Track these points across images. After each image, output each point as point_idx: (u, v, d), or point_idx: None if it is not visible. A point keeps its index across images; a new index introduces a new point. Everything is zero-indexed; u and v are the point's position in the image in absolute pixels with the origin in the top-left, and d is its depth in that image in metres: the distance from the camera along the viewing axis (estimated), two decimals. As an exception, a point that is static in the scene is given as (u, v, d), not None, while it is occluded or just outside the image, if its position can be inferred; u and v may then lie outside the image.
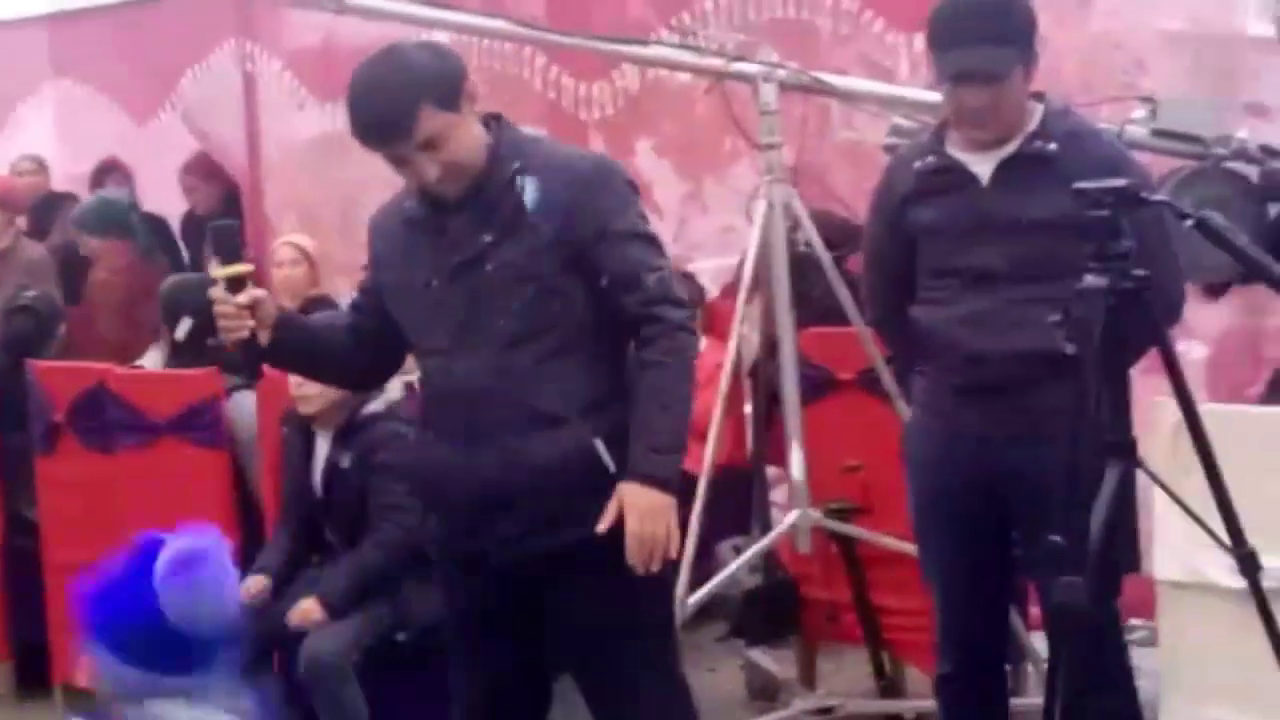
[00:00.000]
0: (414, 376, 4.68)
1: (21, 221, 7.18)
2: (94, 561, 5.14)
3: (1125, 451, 2.84)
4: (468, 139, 3.09)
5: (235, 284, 3.11)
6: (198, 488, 4.86)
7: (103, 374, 5.17)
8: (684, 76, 5.31)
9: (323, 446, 4.50)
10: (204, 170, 7.59)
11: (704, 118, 5.35)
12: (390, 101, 3.03)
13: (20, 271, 6.69)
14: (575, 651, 3.31)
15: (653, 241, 3.20)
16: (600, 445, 3.13)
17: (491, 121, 3.17)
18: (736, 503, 5.28)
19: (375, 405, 4.49)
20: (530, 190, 3.09)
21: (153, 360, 5.41)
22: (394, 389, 4.50)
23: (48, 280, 6.68)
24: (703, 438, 4.84)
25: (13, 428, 5.54)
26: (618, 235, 3.10)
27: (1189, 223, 2.80)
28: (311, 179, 7.50)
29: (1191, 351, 4.84)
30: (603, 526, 3.06)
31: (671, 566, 3.27)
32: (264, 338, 3.17)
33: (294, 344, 3.29)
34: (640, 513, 3.04)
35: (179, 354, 5.17)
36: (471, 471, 3.14)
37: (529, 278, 3.08)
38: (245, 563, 4.67)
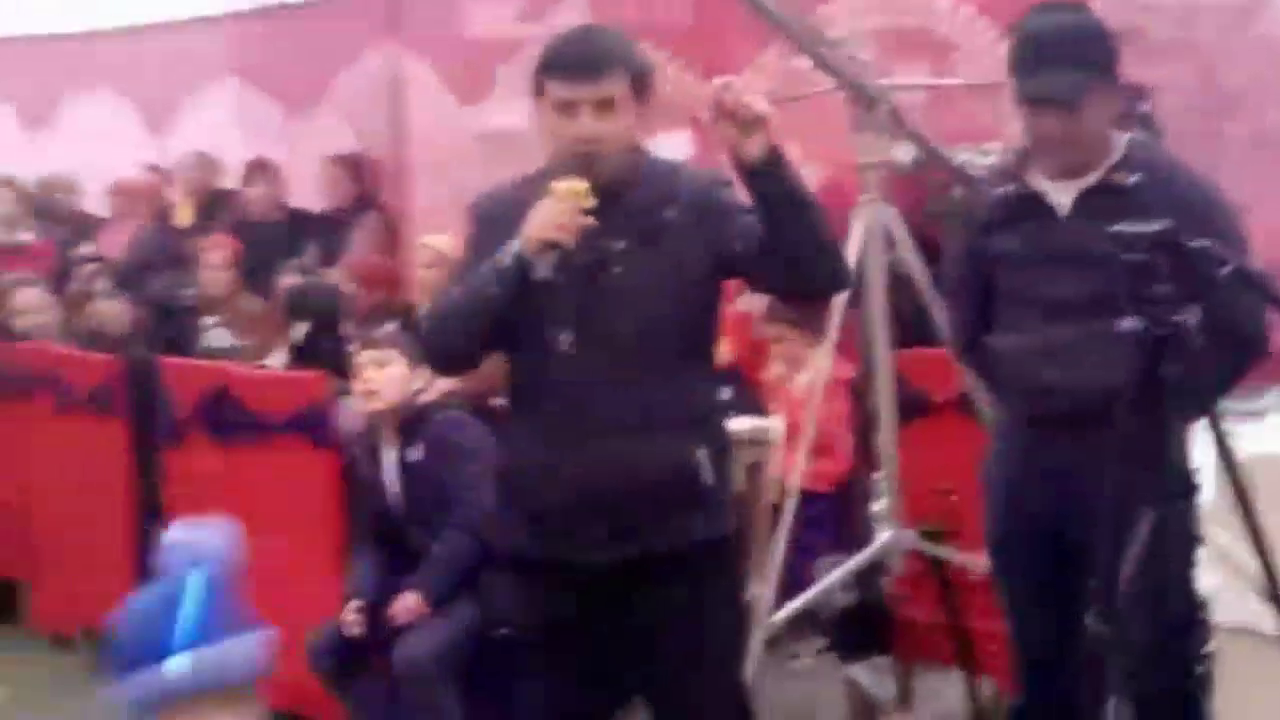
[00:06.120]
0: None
1: (221, 258, 7.22)
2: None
3: (1160, 497, 2.78)
4: (628, 132, 3.20)
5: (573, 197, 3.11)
6: (307, 487, 4.98)
7: (225, 374, 5.34)
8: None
9: (389, 455, 4.57)
10: (348, 167, 7.77)
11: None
12: (601, 44, 3.19)
13: (236, 322, 6.78)
14: (650, 665, 3.32)
15: None
16: (702, 456, 3.18)
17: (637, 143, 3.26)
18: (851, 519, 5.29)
19: (428, 396, 4.55)
20: (674, 214, 3.17)
21: (277, 360, 5.58)
22: (444, 381, 4.54)
23: (264, 332, 6.72)
24: (821, 452, 4.87)
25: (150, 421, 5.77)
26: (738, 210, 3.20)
27: (1226, 270, 2.73)
28: (456, 180, 7.64)
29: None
30: None
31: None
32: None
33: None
34: None
35: (298, 356, 5.30)
36: (574, 471, 3.16)
37: (653, 288, 3.16)
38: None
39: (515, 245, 3.11)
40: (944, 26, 6.22)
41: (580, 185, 3.08)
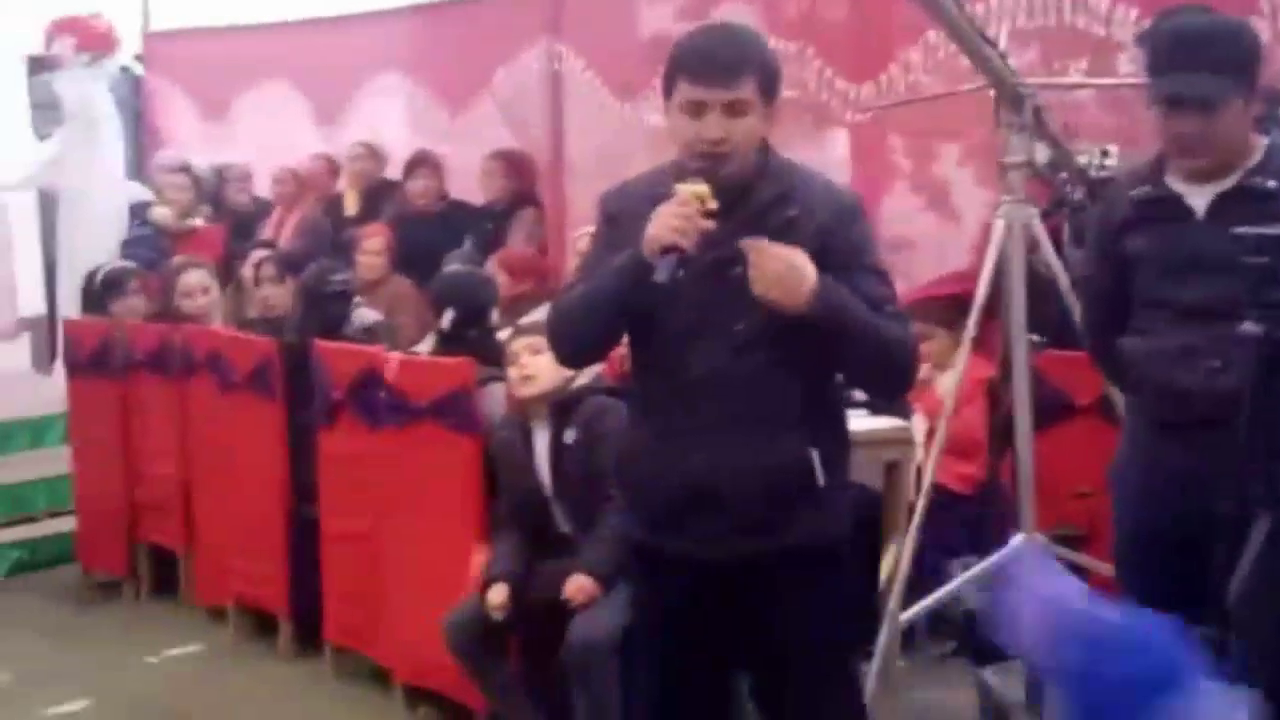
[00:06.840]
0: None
1: (377, 245, 7.42)
2: (362, 532, 5.57)
3: (1278, 503, 2.74)
4: (756, 134, 3.18)
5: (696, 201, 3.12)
6: (449, 471, 5.07)
7: (375, 358, 5.48)
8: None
9: (541, 438, 4.62)
10: (507, 162, 7.88)
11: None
12: (735, 46, 3.16)
13: (386, 302, 6.97)
14: (763, 662, 3.37)
15: (889, 280, 3.31)
16: (815, 455, 3.20)
17: (762, 143, 3.26)
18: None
19: (582, 379, 4.59)
20: (795, 211, 3.18)
21: (427, 347, 5.70)
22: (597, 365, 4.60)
23: (410, 312, 6.90)
24: (962, 453, 4.85)
25: (305, 403, 5.94)
26: (864, 269, 3.21)
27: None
28: (614, 176, 7.69)
29: None
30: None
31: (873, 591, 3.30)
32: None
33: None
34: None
35: (444, 343, 5.42)
36: (686, 466, 3.19)
37: None
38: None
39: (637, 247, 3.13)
40: (1106, 27, 6.13)
41: (703, 188, 3.07)
